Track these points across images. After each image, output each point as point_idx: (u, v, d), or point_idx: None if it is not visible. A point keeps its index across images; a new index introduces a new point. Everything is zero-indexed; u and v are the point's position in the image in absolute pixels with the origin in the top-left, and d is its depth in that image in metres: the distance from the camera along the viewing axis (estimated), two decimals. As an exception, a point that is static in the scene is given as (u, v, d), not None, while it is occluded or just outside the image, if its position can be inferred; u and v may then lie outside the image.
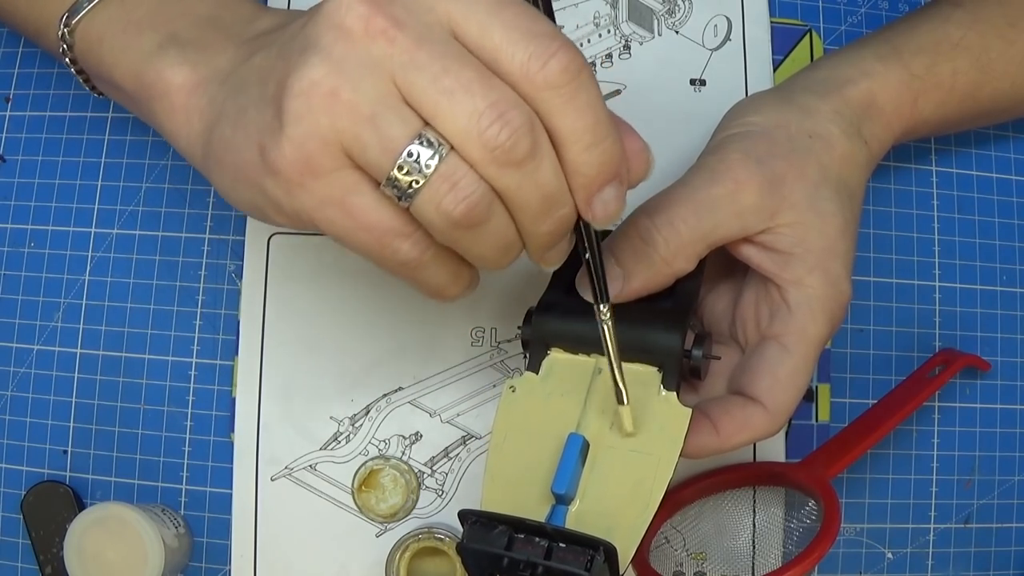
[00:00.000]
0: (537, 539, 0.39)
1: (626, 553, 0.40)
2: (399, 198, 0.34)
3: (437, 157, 0.33)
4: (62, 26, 0.44)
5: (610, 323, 0.39)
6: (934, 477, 0.57)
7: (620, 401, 0.41)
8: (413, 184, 0.33)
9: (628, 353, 0.43)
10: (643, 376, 0.43)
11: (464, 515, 0.41)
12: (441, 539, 0.52)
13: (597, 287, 0.39)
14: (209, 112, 0.39)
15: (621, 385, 0.40)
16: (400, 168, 0.33)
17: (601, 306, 0.39)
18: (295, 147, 0.34)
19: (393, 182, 0.33)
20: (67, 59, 0.45)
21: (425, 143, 0.33)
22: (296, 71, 0.34)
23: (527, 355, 0.45)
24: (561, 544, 0.39)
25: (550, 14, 0.36)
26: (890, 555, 0.56)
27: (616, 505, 0.41)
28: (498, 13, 0.33)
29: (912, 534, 0.56)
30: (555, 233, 0.36)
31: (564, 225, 0.36)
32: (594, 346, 0.43)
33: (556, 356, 0.44)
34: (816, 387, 0.56)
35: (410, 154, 0.33)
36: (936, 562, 0.56)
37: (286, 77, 0.34)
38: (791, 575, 0.44)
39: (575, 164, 0.34)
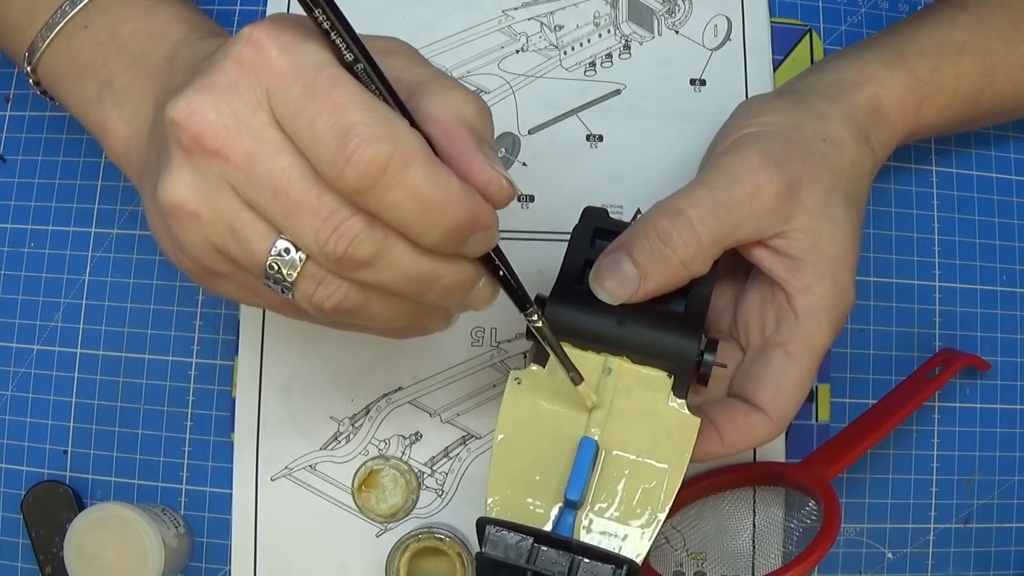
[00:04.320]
0: (560, 552, 0.39)
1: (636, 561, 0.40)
2: (281, 291, 0.36)
3: (298, 263, 0.35)
4: (27, 66, 0.47)
5: (540, 324, 0.40)
6: (934, 477, 0.57)
7: (575, 382, 0.41)
8: (287, 279, 0.35)
9: (640, 356, 0.43)
10: (653, 381, 0.43)
11: (483, 523, 0.40)
12: (441, 539, 0.52)
13: (519, 298, 0.39)
14: (138, 168, 0.42)
15: (573, 371, 0.41)
16: (271, 268, 0.35)
17: (528, 309, 0.39)
18: (192, 261, 0.37)
19: (270, 281, 0.35)
20: (40, 92, 0.48)
21: (284, 252, 0.35)
22: (162, 187, 0.35)
23: (534, 345, 0.44)
24: (585, 560, 0.39)
25: (380, 84, 0.35)
26: (890, 555, 0.56)
27: (625, 512, 0.41)
28: (306, 106, 0.33)
29: (912, 534, 0.56)
30: (447, 298, 0.37)
31: (451, 290, 0.37)
32: (604, 343, 0.43)
33: (564, 350, 0.44)
34: (816, 387, 0.56)
35: (272, 265, 0.35)
36: (936, 562, 0.56)
37: (157, 189, 0.36)
38: (791, 575, 0.44)
39: (425, 244, 0.34)
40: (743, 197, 0.43)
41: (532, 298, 0.44)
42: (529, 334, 0.44)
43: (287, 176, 0.33)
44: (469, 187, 0.34)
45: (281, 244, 0.34)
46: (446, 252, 0.35)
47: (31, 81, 0.47)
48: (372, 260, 0.34)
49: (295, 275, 0.35)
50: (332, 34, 0.33)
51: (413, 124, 0.34)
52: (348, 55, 0.33)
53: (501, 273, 0.38)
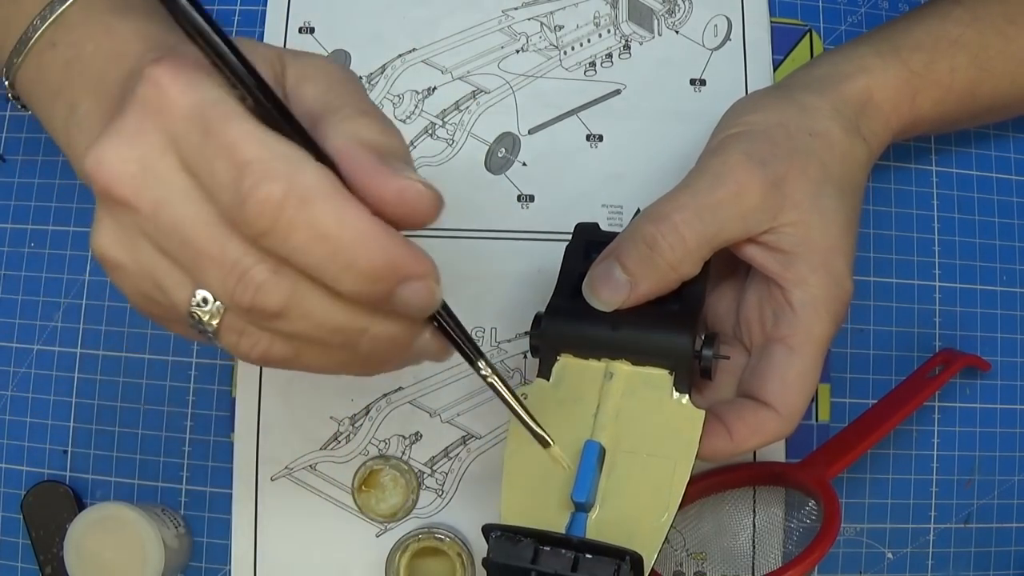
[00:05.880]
0: (563, 551, 0.39)
1: (649, 558, 0.40)
2: (207, 340, 0.34)
3: (217, 313, 0.33)
4: (5, 81, 0.46)
5: (496, 379, 0.38)
6: (934, 477, 0.57)
7: (544, 444, 0.41)
8: (208, 329, 0.33)
9: (639, 357, 0.43)
10: (655, 379, 0.43)
11: (488, 529, 0.41)
12: (441, 539, 0.52)
13: (468, 352, 0.37)
14: None
15: (537, 429, 0.40)
16: (193, 317, 0.33)
17: (479, 363, 0.37)
18: (131, 301, 0.35)
19: (194, 329, 0.34)
20: (21, 107, 0.47)
21: (203, 301, 0.33)
22: (90, 239, 0.34)
23: (538, 361, 0.45)
24: (588, 555, 0.39)
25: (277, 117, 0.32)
26: (890, 555, 0.56)
27: (635, 510, 0.41)
28: (205, 148, 0.31)
29: (912, 534, 0.56)
30: (383, 351, 0.35)
31: (383, 344, 0.34)
32: (603, 349, 0.44)
33: (566, 361, 0.44)
34: (816, 387, 0.56)
35: (193, 315, 0.33)
36: (936, 562, 0.56)
37: (89, 238, 0.35)
38: (791, 575, 0.44)
39: (344, 293, 0.32)
40: (727, 197, 0.43)
41: (534, 317, 0.44)
42: (534, 350, 0.45)
43: (192, 224, 0.32)
44: (387, 227, 0.31)
45: (201, 293, 0.33)
46: (372, 303, 0.32)
47: (11, 96, 0.47)
48: (283, 310, 0.32)
49: (216, 324, 0.33)
50: (220, 67, 0.31)
51: (315, 151, 0.32)
52: (238, 90, 0.32)
53: (442, 326, 0.35)
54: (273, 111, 0.32)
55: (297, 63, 0.36)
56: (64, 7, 0.44)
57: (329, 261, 0.31)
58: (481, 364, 0.37)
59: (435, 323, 0.35)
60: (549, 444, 0.41)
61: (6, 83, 0.46)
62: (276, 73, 0.35)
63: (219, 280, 0.32)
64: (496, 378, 0.38)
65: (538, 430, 0.40)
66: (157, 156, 0.32)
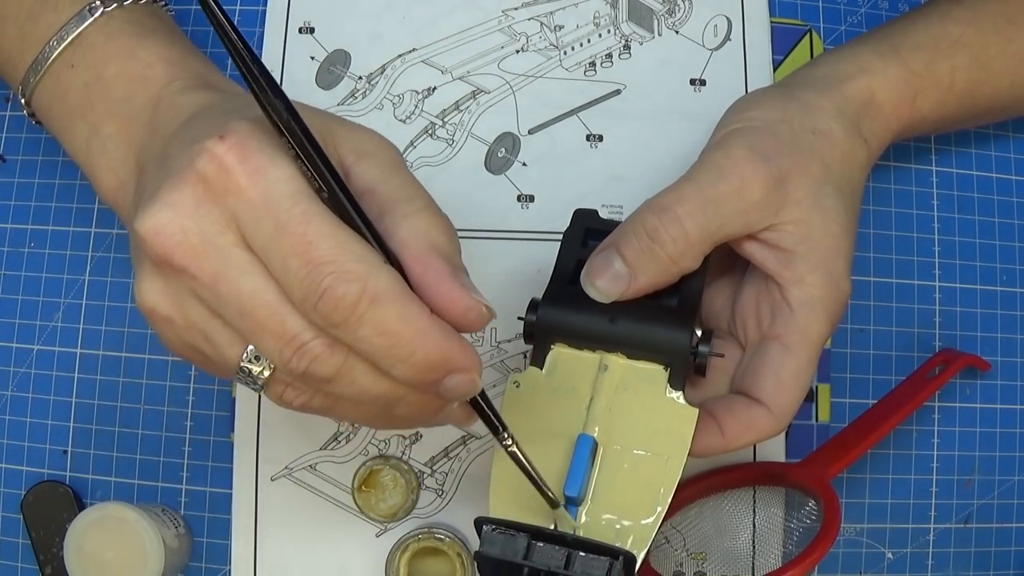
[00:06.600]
0: (557, 547, 0.39)
1: (639, 555, 0.40)
2: (253, 388, 0.36)
3: (268, 368, 0.36)
4: (21, 99, 0.47)
5: (516, 448, 0.39)
6: (934, 477, 0.57)
7: (553, 505, 0.40)
8: (257, 380, 0.36)
9: (635, 351, 0.43)
10: (649, 374, 0.43)
11: (480, 522, 0.40)
12: (441, 539, 0.52)
13: (495, 424, 0.38)
14: (127, 216, 0.42)
15: (549, 494, 0.40)
16: (243, 371, 0.36)
17: (503, 434, 0.39)
18: (173, 350, 0.37)
19: (241, 379, 0.36)
20: (36, 123, 0.48)
21: (255, 358, 0.35)
22: (136, 291, 0.36)
23: (532, 347, 0.45)
24: (581, 553, 0.39)
25: (354, 217, 0.34)
26: (890, 555, 0.56)
27: (626, 506, 0.41)
28: (278, 242, 0.33)
29: (912, 534, 0.56)
30: (416, 414, 0.37)
31: (416, 409, 0.37)
32: (598, 341, 0.43)
33: (560, 351, 0.44)
34: (816, 387, 0.56)
35: (244, 368, 0.35)
36: (936, 562, 0.56)
37: (134, 290, 0.36)
38: (791, 575, 0.44)
39: (396, 377, 0.34)
40: (730, 191, 0.43)
41: (530, 302, 0.44)
42: (527, 336, 0.44)
43: (251, 298, 0.34)
44: (444, 326, 0.34)
45: (253, 350, 0.35)
46: (420, 388, 0.35)
47: (27, 112, 0.47)
48: (333, 378, 0.34)
49: (265, 377, 0.36)
50: (306, 165, 0.33)
51: (384, 250, 0.34)
52: (315, 184, 0.33)
53: (473, 399, 0.38)
54: (352, 212, 0.34)
55: (352, 137, 0.37)
56: (80, 29, 0.44)
57: (388, 352, 0.33)
58: (505, 435, 0.39)
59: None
60: (559, 505, 0.41)
61: (22, 100, 0.47)
62: (326, 145, 0.36)
63: (276, 349, 0.34)
64: (517, 448, 0.39)
65: (550, 494, 0.40)
66: (218, 232, 0.33)
